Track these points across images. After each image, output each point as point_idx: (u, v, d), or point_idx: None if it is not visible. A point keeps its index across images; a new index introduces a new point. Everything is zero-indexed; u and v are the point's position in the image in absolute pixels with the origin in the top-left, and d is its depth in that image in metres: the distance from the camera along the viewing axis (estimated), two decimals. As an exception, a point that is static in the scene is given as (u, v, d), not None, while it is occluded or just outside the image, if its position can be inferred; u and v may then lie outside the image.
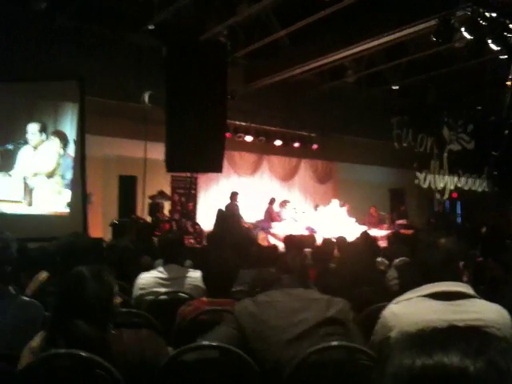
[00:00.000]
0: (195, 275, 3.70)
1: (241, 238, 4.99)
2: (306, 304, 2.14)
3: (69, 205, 9.06)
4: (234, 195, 11.54)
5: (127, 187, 11.37)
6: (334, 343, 1.98)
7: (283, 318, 2.08)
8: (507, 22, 7.67)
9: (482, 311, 1.97)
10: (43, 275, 3.25)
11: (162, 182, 11.40)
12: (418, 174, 15.94)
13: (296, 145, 13.90)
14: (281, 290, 2.26)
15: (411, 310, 2.01)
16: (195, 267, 3.96)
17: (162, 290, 3.54)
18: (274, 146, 13.68)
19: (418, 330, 1.82)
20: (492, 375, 0.63)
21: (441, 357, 0.66)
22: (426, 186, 16.18)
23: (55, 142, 9.11)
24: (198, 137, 7.75)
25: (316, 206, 13.48)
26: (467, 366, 0.64)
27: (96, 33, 10.40)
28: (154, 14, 9.51)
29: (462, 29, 7.86)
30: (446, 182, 16.64)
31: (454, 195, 16.83)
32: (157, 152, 9.64)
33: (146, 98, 10.33)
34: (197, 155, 7.88)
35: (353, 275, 3.71)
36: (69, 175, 9.16)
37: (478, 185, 17.29)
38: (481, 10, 7.58)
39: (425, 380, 0.65)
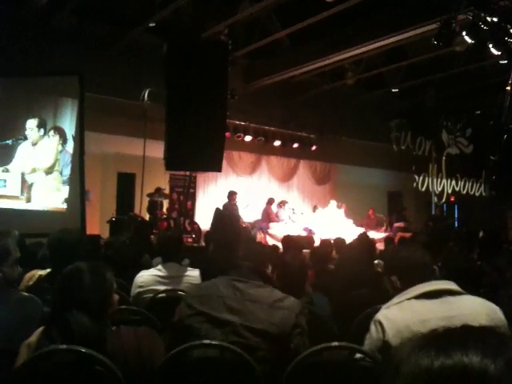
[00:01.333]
0: (194, 274, 3.70)
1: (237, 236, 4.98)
2: (239, 307, 2.11)
3: (66, 201, 9.03)
4: (232, 195, 11.52)
5: (125, 185, 11.35)
6: (335, 343, 1.99)
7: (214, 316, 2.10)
8: (508, 26, 7.68)
9: (474, 306, 2.00)
10: (33, 272, 3.24)
11: (160, 180, 11.37)
12: (416, 177, 15.94)
13: (295, 146, 13.91)
14: (229, 282, 2.20)
15: (403, 313, 2.03)
16: (193, 266, 3.95)
17: (161, 288, 3.54)
18: (273, 146, 13.69)
19: (429, 330, 1.84)
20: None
21: (460, 357, 0.65)
22: (423, 189, 16.19)
23: (54, 137, 9.08)
24: (198, 135, 7.73)
25: (314, 207, 13.49)
26: (487, 365, 0.64)
27: (96, 29, 10.41)
28: (154, 12, 9.50)
29: (464, 33, 7.86)
30: (444, 186, 16.65)
31: (452, 199, 16.86)
32: (156, 150, 9.61)
33: (146, 95, 10.31)
34: (196, 154, 7.85)
35: (351, 277, 3.71)
36: (67, 171, 9.13)
37: (476, 189, 17.31)
38: (482, 15, 7.59)
39: (444, 380, 0.65)
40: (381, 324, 2.04)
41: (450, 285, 2.08)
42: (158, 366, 1.91)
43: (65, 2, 9.40)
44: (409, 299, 2.07)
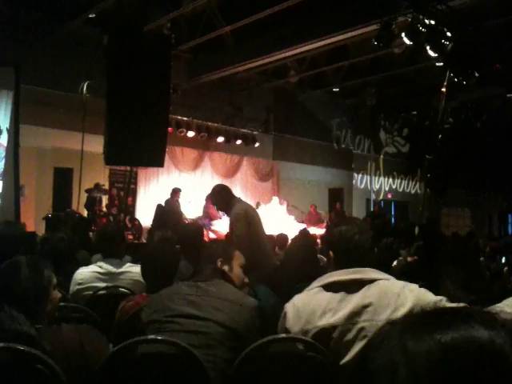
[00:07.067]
0: (136, 270, 3.59)
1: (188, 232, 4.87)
2: (201, 301, 2.18)
3: (0, 196, 8.64)
4: (176, 192, 11.34)
5: (63, 180, 10.98)
6: (282, 335, 1.98)
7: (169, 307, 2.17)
8: (445, 29, 7.97)
9: (380, 294, 1.96)
10: None
11: (99, 175, 11.07)
12: (355, 174, 16.33)
13: (238, 142, 13.89)
14: (191, 283, 2.30)
15: (306, 302, 2.04)
16: (134, 263, 3.85)
17: (101, 284, 3.42)
18: (216, 142, 13.62)
19: (322, 324, 1.90)
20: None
21: (468, 330, 0.64)
22: (362, 186, 16.60)
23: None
24: (140, 130, 7.55)
25: (257, 204, 13.52)
26: (495, 337, 0.63)
27: (34, 20, 9.98)
28: (95, 2, 9.23)
29: (403, 34, 8.09)
30: (382, 183, 17.15)
31: (389, 196, 17.39)
32: (95, 144, 9.35)
33: (85, 87, 9.99)
34: (138, 149, 7.66)
35: (296, 271, 3.73)
36: (1, 166, 8.73)
37: (412, 186, 17.94)
38: (421, 17, 7.83)
39: (459, 353, 0.62)
40: (286, 311, 2.07)
41: (363, 274, 2.02)
42: (101, 364, 1.84)
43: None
44: (318, 287, 2.07)
